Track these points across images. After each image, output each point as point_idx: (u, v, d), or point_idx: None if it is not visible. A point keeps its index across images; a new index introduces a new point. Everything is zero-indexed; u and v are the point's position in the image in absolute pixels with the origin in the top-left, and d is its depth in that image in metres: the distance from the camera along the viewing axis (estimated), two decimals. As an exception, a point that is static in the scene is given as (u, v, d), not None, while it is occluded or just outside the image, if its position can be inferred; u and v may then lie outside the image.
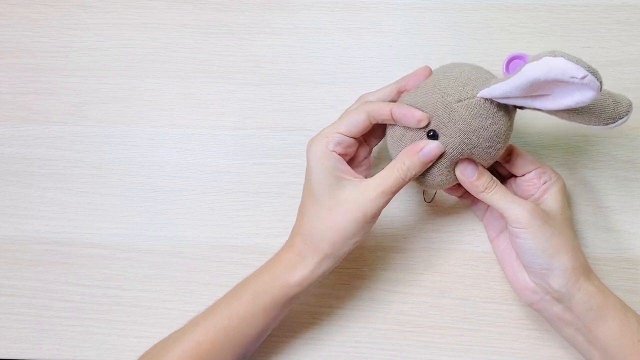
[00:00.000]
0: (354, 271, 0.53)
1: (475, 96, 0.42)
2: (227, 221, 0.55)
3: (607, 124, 0.42)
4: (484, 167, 0.45)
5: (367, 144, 0.49)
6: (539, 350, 0.51)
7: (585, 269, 0.45)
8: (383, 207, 0.43)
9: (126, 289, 0.54)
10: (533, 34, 0.56)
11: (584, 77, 0.36)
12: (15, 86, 0.59)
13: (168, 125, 0.57)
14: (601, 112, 0.41)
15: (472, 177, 0.45)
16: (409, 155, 0.44)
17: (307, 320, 0.53)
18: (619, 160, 0.53)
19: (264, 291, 0.45)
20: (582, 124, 0.42)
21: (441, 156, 0.44)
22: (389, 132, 0.47)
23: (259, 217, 0.55)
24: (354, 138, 0.45)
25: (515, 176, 0.49)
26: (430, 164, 0.44)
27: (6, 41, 0.60)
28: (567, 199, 0.48)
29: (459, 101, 0.42)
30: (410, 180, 0.44)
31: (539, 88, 0.39)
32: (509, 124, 0.43)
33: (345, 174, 0.44)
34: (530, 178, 0.47)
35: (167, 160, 0.57)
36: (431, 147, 0.43)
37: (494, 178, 0.45)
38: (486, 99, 0.42)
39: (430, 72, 0.45)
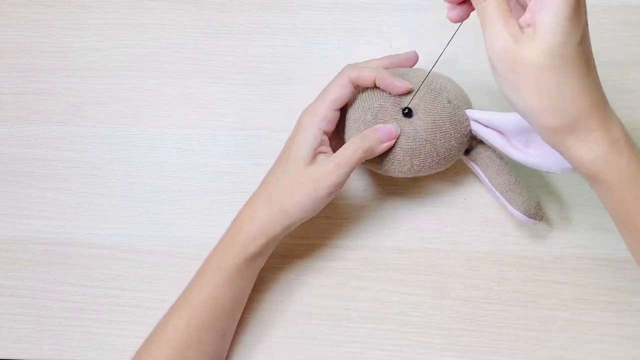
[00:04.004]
0: (353, 271, 0.53)
1: (463, 108, 0.47)
2: (227, 221, 0.55)
3: (524, 213, 0.48)
4: (416, 170, 0.47)
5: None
6: (539, 350, 0.51)
7: (575, 127, 0.36)
8: (340, 179, 0.45)
9: (126, 290, 0.54)
10: (533, 34, 0.56)
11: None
12: (15, 86, 0.59)
13: (168, 125, 0.57)
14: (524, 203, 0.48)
15: None
16: (367, 132, 0.46)
17: (306, 320, 0.53)
18: (619, 161, 0.53)
19: (226, 260, 0.47)
20: (504, 202, 0.48)
21: (400, 140, 0.46)
22: (353, 114, 0.48)
23: (259, 218, 0.55)
24: (339, 110, 0.48)
25: None
26: (387, 145, 0.46)
27: (6, 41, 0.60)
28: (581, 12, 0.36)
29: (449, 101, 0.46)
30: (364, 156, 0.45)
31: (524, 133, 0.42)
32: (461, 152, 0.49)
33: (324, 153, 0.47)
34: None
35: (167, 161, 0.57)
36: (390, 127, 0.46)
37: None
38: (470, 118, 0.47)
39: (418, 58, 0.49)
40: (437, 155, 0.47)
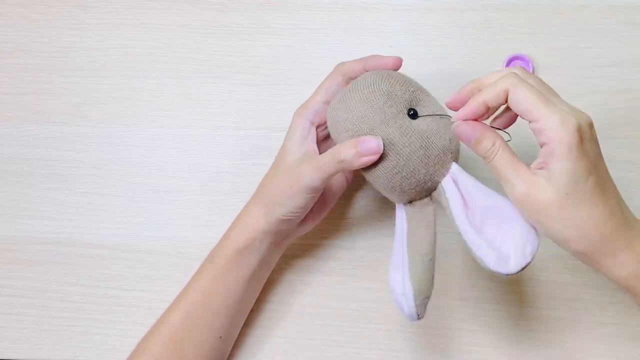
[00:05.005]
0: (353, 271, 0.53)
1: (451, 163, 0.44)
2: (227, 221, 0.55)
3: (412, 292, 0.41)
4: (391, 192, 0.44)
5: None
6: (539, 350, 0.51)
7: (603, 251, 0.39)
8: (310, 185, 0.44)
9: (126, 290, 0.54)
10: (533, 34, 0.56)
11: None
12: (15, 86, 0.59)
13: (168, 125, 0.57)
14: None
15: (470, 142, 0.41)
16: (350, 142, 0.42)
17: (307, 320, 0.53)
18: (619, 161, 0.53)
19: (219, 255, 0.48)
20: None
21: (387, 155, 0.42)
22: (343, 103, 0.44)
23: (259, 218, 0.55)
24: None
25: None
26: (368, 160, 0.42)
27: (6, 41, 0.60)
28: (587, 147, 0.37)
29: (449, 140, 0.44)
30: (339, 169, 0.43)
31: (491, 213, 0.41)
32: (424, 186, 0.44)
33: (309, 146, 0.46)
34: (533, 129, 0.39)
35: (167, 161, 0.57)
36: (370, 142, 0.42)
37: (498, 140, 0.40)
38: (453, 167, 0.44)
39: (401, 64, 0.46)
40: (400, 170, 0.43)
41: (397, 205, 0.45)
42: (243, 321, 0.51)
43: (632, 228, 0.39)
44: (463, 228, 0.41)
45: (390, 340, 0.52)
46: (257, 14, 0.59)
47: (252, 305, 0.51)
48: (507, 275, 0.39)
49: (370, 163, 0.42)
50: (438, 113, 0.44)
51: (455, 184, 0.43)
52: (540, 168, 0.38)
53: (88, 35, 0.60)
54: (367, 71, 0.46)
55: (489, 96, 0.39)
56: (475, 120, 0.41)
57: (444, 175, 0.44)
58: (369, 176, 0.44)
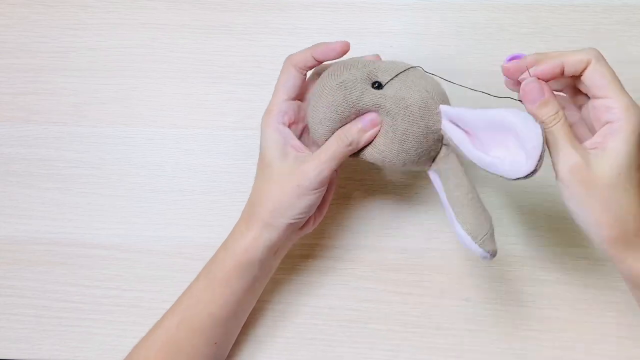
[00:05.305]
0: (353, 271, 0.53)
1: (438, 102, 0.44)
2: (227, 221, 0.55)
3: (469, 234, 0.42)
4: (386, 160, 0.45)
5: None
6: (539, 350, 0.51)
7: (633, 240, 0.39)
8: (319, 179, 0.44)
9: (126, 290, 0.54)
10: (533, 34, 0.56)
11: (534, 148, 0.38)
12: (15, 86, 0.59)
13: (168, 125, 0.57)
14: (479, 231, 0.42)
15: (536, 103, 0.40)
16: (347, 126, 0.44)
17: (306, 320, 0.53)
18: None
19: (216, 266, 0.47)
20: (453, 218, 0.43)
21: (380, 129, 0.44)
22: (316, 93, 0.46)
23: (259, 218, 0.55)
24: (297, 99, 0.47)
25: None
26: (372, 133, 0.44)
27: (6, 41, 0.60)
28: None
29: (426, 90, 0.44)
30: (348, 152, 0.44)
31: (492, 131, 0.41)
32: (424, 151, 0.45)
33: (294, 148, 0.45)
34: (597, 108, 0.40)
35: (167, 161, 0.57)
36: (366, 116, 0.44)
37: (560, 111, 0.40)
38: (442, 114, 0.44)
39: (349, 49, 0.46)
40: (394, 136, 0.44)
41: (428, 172, 0.47)
42: (241, 326, 0.51)
43: None
44: (472, 154, 0.42)
45: (390, 340, 0.52)
46: (257, 14, 0.59)
47: (250, 310, 0.51)
48: (527, 176, 0.38)
49: (374, 136, 0.44)
50: (401, 71, 0.45)
51: (453, 122, 0.44)
52: (595, 148, 0.39)
53: (88, 35, 0.60)
54: (315, 59, 0.46)
55: (570, 60, 0.40)
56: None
57: (439, 121, 0.44)
58: (378, 156, 0.45)
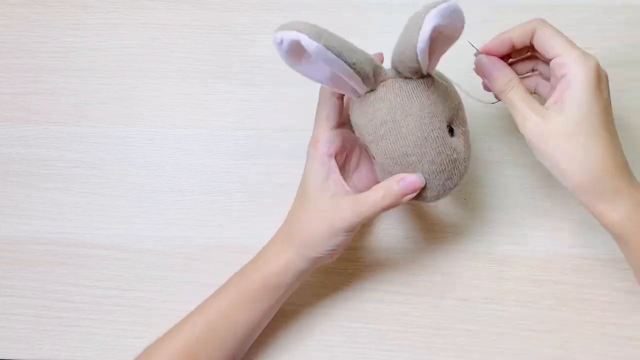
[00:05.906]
0: (354, 271, 0.53)
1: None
2: (227, 221, 0.55)
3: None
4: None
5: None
6: (539, 350, 0.51)
7: (602, 188, 0.40)
8: (355, 225, 0.43)
9: (126, 290, 0.54)
10: (533, 34, 0.56)
11: None
12: (15, 86, 0.59)
13: (168, 125, 0.57)
14: None
15: (490, 75, 0.43)
16: (389, 185, 0.43)
17: (306, 320, 0.53)
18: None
19: (246, 283, 0.47)
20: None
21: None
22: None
23: (259, 217, 0.55)
24: (340, 126, 0.46)
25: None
26: (410, 197, 0.42)
27: (6, 41, 0.60)
28: (602, 87, 0.40)
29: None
30: (385, 210, 0.43)
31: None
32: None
33: (334, 182, 0.45)
34: (553, 67, 0.41)
35: (167, 161, 0.57)
36: (412, 179, 0.42)
37: (514, 78, 0.43)
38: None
39: (382, 59, 0.47)
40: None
41: None
42: (255, 338, 0.50)
43: (631, 173, 0.41)
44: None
45: (390, 340, 0.52)
46: (257, 14, 0.59)
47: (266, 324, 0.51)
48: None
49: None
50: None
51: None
52: (555, 103, 0.40)
53: (88, 35, 0.60)
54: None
55: (515, 33, 0.43)
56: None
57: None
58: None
